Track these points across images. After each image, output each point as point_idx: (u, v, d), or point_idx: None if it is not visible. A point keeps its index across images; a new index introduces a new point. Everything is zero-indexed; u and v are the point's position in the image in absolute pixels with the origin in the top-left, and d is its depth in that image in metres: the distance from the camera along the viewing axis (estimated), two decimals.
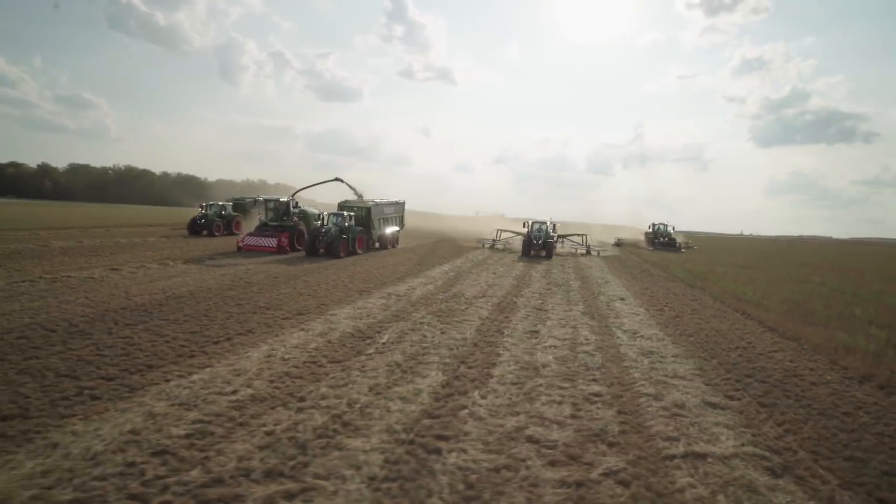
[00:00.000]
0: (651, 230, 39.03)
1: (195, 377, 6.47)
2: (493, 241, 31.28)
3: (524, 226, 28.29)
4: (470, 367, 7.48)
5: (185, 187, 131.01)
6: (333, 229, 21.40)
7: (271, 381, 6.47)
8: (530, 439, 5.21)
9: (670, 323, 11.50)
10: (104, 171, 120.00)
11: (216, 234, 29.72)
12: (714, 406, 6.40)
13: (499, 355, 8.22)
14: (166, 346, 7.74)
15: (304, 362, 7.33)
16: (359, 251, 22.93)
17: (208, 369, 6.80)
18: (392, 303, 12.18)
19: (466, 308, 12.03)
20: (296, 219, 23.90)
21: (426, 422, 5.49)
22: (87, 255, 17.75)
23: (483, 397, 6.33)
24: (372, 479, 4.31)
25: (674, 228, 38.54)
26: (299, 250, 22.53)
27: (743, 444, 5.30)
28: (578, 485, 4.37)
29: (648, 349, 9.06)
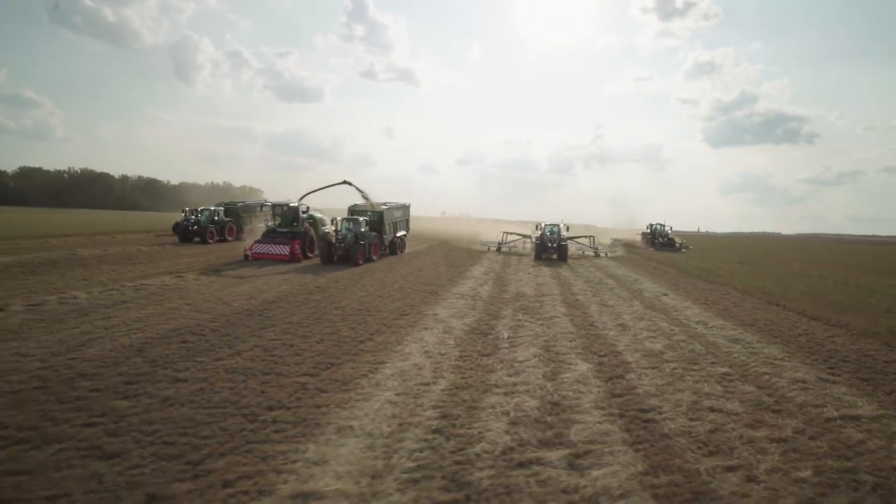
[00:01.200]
0: (649, 230, 40.81)
1: (386, 371, 7.24)
2: (499, 243, 31.69)
3: (536, 228, 28.66)
4: (602, 356, 8.53)
5: (146, 191, 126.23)
6: (349, 236, 20.64)
7: (454, 373, 7.31)
8: (713, 409, 6.29)
9: (725, 314, 12.90)
10: (59, 174, 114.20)
11: (210, 240, 28.36)
12: (826, 381, 7.68)
13: (614, 345, 9.31)
14: (321, 346, 8.41)
15: (461, 356, 8.18)
16: (373, 257, 21.98)
17: (388, 364, 7.57)
18: (472, 303, 13.08)
19: (540, 306, 13.07)
20: (307, 224, 22.82)
21: (616, 400, 6.50)
22: (128, 263, 17.74)
23: (640, 378, 7.39)
24: (624, 441, 5.28)
25: (671, 228, 40.31)
26: (310, 257, 21.66)
27: (876, 409, 6.57)
28: (783, 440, 5.48)
29: (732, 337, 10.36)
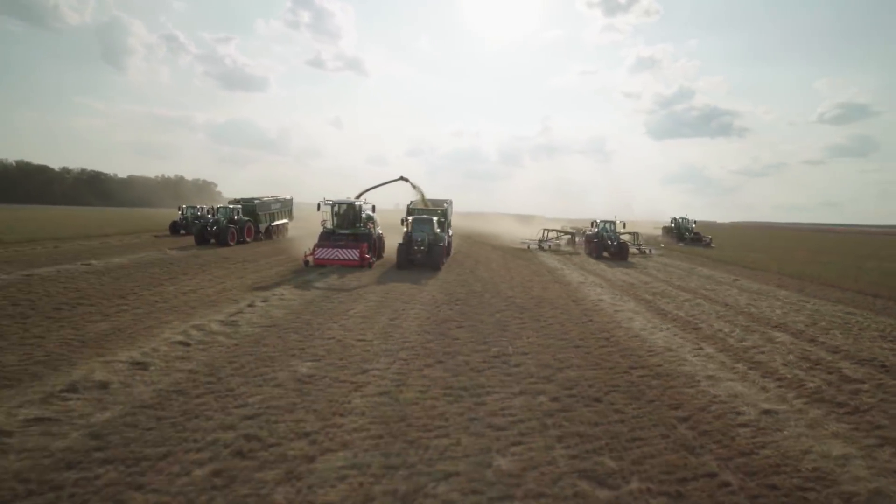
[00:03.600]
0: (673, 225, 40.97)
1: (658, 342, 9.45)
2: (540, 241, 31.34)
3: (593, 225, 28.37)
4: (775, 327, 11.09)
5: (91, 185, 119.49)
6: (426, 237, 19.10)
7: (715, 344, 9.63)
8: None
9: (809, 295, 15.89)
10: None
11: (231, 242, 25.62)
12: None
13: (771, 318, 11.92)
14: (568, 327, 10.48)
15: (685, 330, 10.49)
16: (444, 259, 20.46)
17: (654, 338, 9.78)
18: (610, 289, 15.41)
19: (662, 292, 15.59)
20: (370, 225, 20.99)
21: (837, 355, 9.03)
22: (229, 265, 18.72)
23: (832, 340, 9.99)
24: (889, 374, 7.77)
25: (695, 223, 40.57)
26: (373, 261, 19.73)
27: None
28: None
29: (843, 311, 13.24)
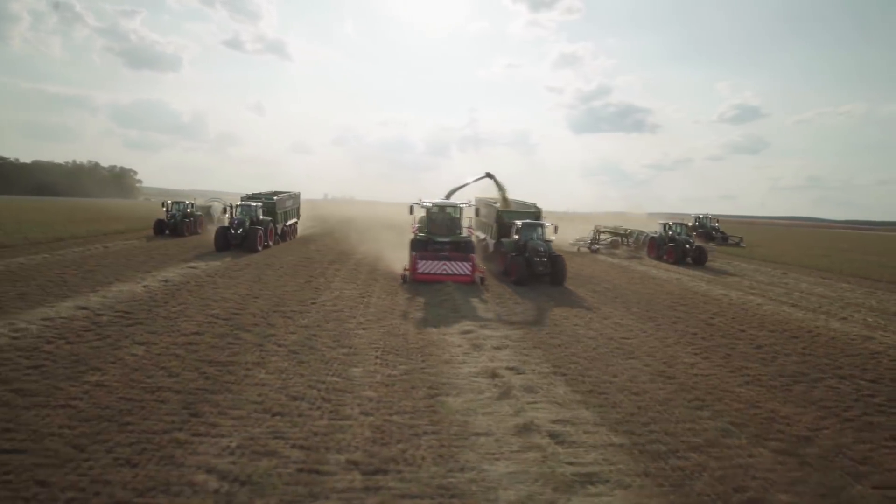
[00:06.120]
0: (697, 223, 38.52)
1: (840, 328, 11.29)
2: (592, 242, 29.20)
3: (666, 228, 26.23)
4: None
5: None
6: (542, 247, 16.81)
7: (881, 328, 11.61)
8: None
9: (867, 288, 18.78)
10: None
11: (259, 247, 22.02)
12: None
13: (884, 310, 14.29)
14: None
15: (840, 319, 12.45)
16: None
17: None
18: (717, 286, 17.32)
19: (749, 285, 17.78)
20: (470, 230, 18.29)
21: None
22: (325, 267, 18.59)
23: None
24: None
25: (717, 221, 39.34)
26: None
27: None
28: None
29: None
